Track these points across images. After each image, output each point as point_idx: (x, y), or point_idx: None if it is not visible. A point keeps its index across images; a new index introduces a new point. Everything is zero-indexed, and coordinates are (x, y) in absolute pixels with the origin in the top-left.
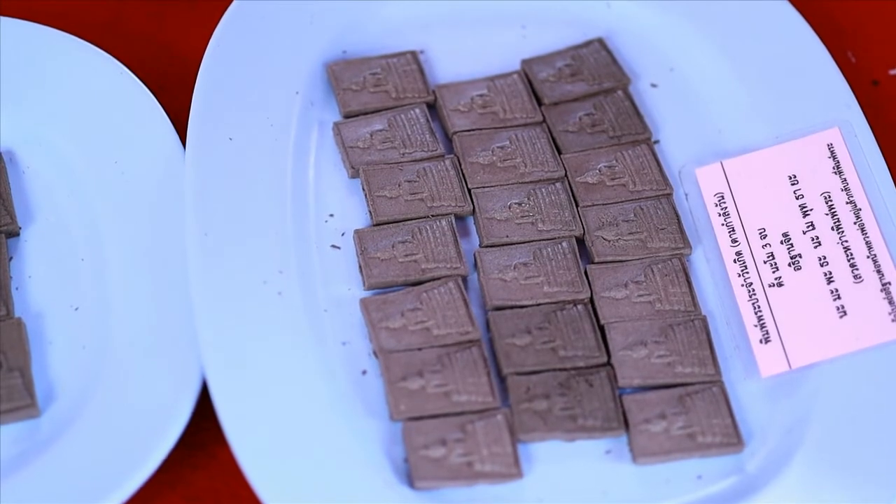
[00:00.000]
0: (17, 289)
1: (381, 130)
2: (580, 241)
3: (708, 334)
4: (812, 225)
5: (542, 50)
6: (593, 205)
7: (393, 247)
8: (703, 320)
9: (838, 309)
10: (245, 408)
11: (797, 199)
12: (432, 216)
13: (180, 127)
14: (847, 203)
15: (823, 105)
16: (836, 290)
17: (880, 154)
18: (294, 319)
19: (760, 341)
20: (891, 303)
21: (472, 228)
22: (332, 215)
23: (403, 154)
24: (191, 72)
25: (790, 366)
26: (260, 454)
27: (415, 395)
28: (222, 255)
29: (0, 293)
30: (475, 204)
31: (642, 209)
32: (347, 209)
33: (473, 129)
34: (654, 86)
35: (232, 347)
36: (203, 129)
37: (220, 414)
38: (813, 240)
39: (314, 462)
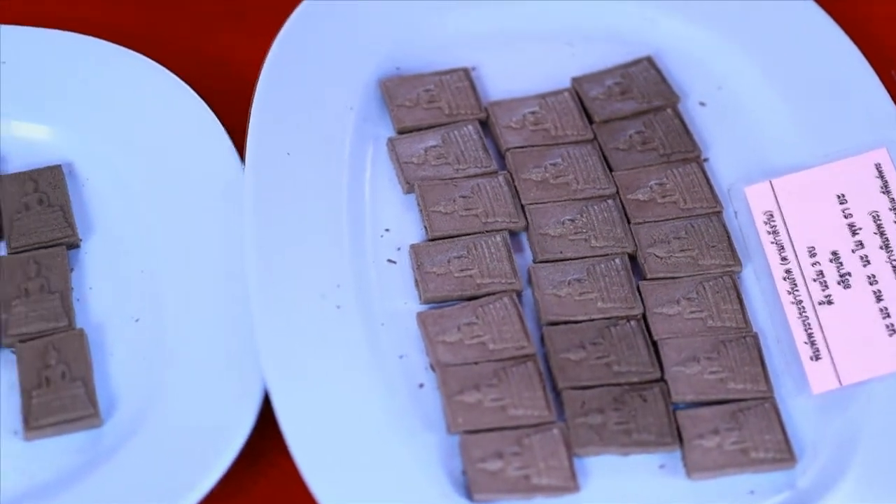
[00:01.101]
0: (78, 300)
1: (434, 146)
2: (632, 258)
3: (759, 351)
4: (861, 244)
5: (590, 67)
6: (645, 222)
7: (448, 262)
8: (755, 337)
9: (888, 327)
10: (307, 419)
11: (846, 217)
12: (487, 232)
13: (234, 139)
14: (895, 222)
15: (870, 124)
16: (886, 309)
17: None
18: (352, 333)
19: (811, 358)
20: None
21: (524, 244)
22: (387, 230)
23: (457, 170)
24: (245, 86)
25: (840, 383)
26: (321, 465)
27: (472, 409)
28: (281, 268)
29: (62, 304)
30: (529, 220)
31: (693, 226)
32: (402, 224)
33: (526, 146)
34: (702, 104)
35: (293, 360)
36: (261, 144)
37: (282, 425)
38: (862, 258)
39: (374, 473)
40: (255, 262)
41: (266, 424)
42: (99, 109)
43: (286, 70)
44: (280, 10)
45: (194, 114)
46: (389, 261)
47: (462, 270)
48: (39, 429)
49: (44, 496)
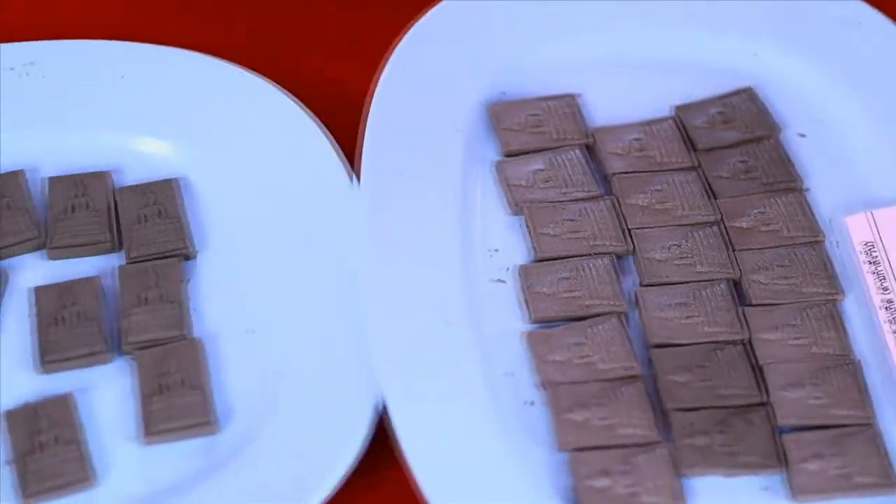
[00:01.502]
0: (194, 310)
1: (541, 170)
2: (736, 284)
3: (861, 378)
4: None
5: (690, 97)
6: (748, 249)
7: (556, 283)
8: (857, 364)
9: None
10: (421, 432)
11: None
12: (593, 254)
13: (342, 157)
14: None
15: None
16: None
17: None
18: (462, 349)
19: None
20: None
21: (627, 267)
22: (496, 250)
23: (564, 193)
24: (349, 105)
25: None
26: (437, 478)
27: (580, 427)
28: (395, 284)
29: (179, 314)
30: (635, 244)
31: (795, 255)
32: (509, 244)
33: (630, 172)
34: (802, 135)
35: (408, 374)
36: (375, 164)
37: (399, 437)
38: None
39: (486, 486)
40: (370, 278)
41: (379, 436)
42: (214, 126)
43: (397, 92)
44: (389, 32)
45: (305, 132)
46: (498, 280)
47: (569, 292)
48: (158, 434)
49: (161, 501)
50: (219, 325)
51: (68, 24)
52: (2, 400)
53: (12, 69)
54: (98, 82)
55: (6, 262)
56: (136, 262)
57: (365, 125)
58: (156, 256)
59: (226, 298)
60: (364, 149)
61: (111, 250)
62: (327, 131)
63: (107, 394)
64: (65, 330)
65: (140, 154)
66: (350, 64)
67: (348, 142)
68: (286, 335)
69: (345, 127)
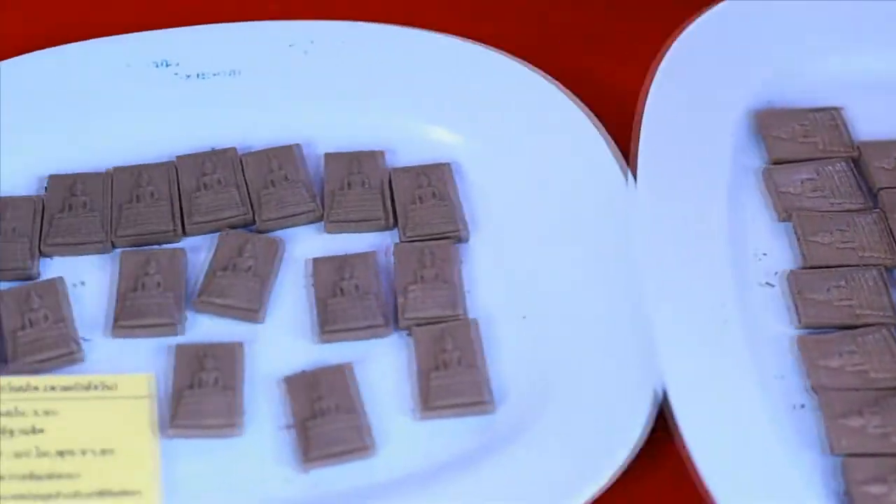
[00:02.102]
0: (468, 292)
1: (810, 179)
2: None
3: None
4: None
5: None
6: None
7: (827, 290)
8: None
9: None
10: (702, 425)
11: None
12: (862, 265)
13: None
14: None
15: None
16: None
17: None
18: (737, 349)
19: None
20: None
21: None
22: (764, 254)
23: (832, 204)
24: (624, 102)
25: None
26: (717, 471)
27: (855, 433)
28: (674, 282)
29: (455, 294)
30: None
31: None
32: (776, 250)
33: None
34: None
35: (689, 369)
36: (650, 164)
37: (682, 431)
38: None
39: (764, 485)
40: (652, 274)
41: (656, 426)
42: (487, 114)
43: (669, 93)
44: (661, 32)
45: (580, 126)
46: (766, 283)
47: (841, 300)
48: (435, 409)
49: (440, 476)
50: (491, 308)
51: (349, 5)
52: (282, 367)
53: (291, 46)
54: (374, 64)
55: (283, 232)
56: (411, 241)
57: (639, 125)
58: (430, 237)
59: (498, 283)
60: (640, 149)
61: (385, 228)
62: (602, 127)
63: (382, 367)
64: (344, 302)
65: (412, 136)
66: (622, 62)
67: (619, 139)
68: (559, 323)
69: (615, 124)
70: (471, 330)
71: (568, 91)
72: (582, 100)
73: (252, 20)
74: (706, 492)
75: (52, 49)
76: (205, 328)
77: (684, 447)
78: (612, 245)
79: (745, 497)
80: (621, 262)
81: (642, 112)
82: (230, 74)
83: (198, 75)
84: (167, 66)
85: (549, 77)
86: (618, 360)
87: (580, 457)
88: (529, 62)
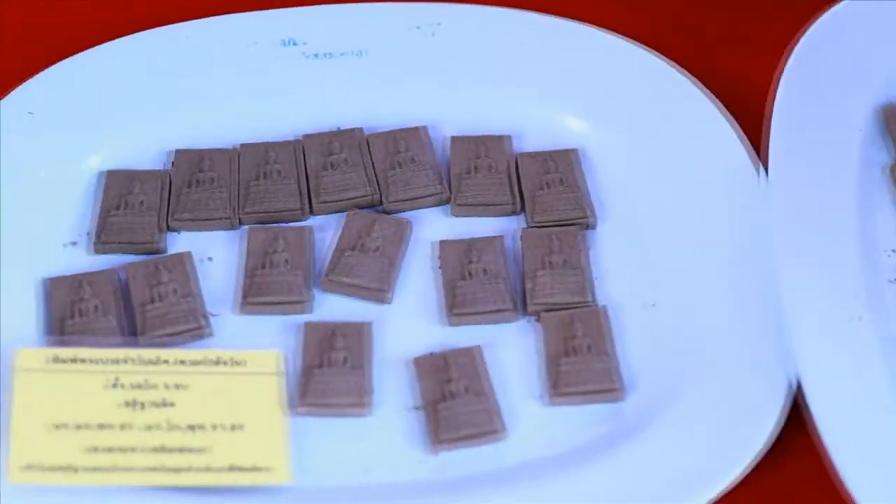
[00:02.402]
0: (596, 279)
1: None
2: None
3: None
4: None
5: None
6: None
7: None
8: None
9: None
10: (838, 421)
11: None
12: None
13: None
14: None
15: None
16: None
17: None
18: (871, 344)
19: None
20: None
21: None
22: (893, 251)
23: None
24: (753, 95)
25: None
26: (853, 463)
27: None
28: (808, 274)
29: (584, 281)
30: None
31: None
32: None
33: None
34: None
35: (824, 362)
36: (782, 158)
37: (818, 425)
38: None
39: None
40: (786, 266)
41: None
42: (615, 102)
43: (799, 88)
44: (791, 26)
45: (710, 117)
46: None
47: None
48: (565, 396)
49: (569, 462)
50: (619, 296)
51: None
52: (409, 348)
53: (419, 28)
54: (501, 48)
55: (410, 213)
56: (539, 227)
57: (769, 119)
58: (557, 223)
59: (625, 271)
60: (771, 143)
61: (512, 213)
62: (733, 120)
63: (509, 351)
64: (472, 285)
65: (537, 122)
66: (752, 57)
67: (748, 132)
68: (689, 312)
69: (744, 117)
70: (601, 317)
71: (699, 83)
72: (713, 92)
73: (379, 1)
74: (842, 485)
75: (181, 24)
76: (330, 307)
77: (819, 440)
78: (741, 235)
79: (881, 490)
80: (750, 252)
81: (772, 107)
82: (356, 55)
83: (324, 55)
84: (294, 44)
85: (679, 68)
86: (750, 351)
87: (712, 448)
88: (660, 53)
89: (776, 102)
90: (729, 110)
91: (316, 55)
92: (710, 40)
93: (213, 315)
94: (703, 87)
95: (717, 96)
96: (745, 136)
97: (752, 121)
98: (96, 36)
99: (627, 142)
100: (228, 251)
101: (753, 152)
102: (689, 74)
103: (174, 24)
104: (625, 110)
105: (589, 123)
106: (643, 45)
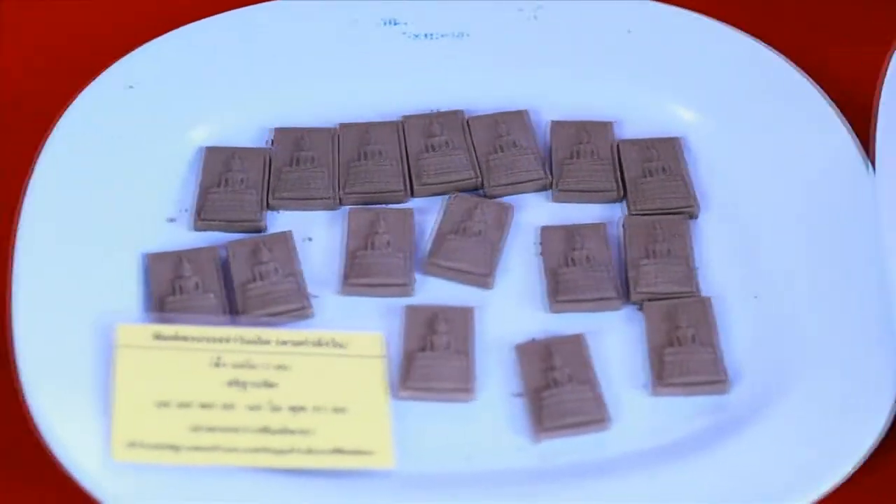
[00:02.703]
0: (697, 269)
1: None
2: None
3: None
4: None
5: None
6: None
7: None
8: None
9: None
10: None
11: None
12: None
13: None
14: None
15: None
16: None
17: None
18: None
19: None
20: None
21: None
22: None
23: None
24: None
25: None
26: None
27: None
28: None
29: (688, 271)
30: None
31: None
32: None
33: None
34: None
35: None
36: (889, 150)
37: None
38: None
39: None
40: (894, 260)
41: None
42: (720, 91)
43: None
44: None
45: (818, 110)
46: None
47: None
48: (669, 386)
49: (673, 454)
50: (720, 287)
51: None
52: (510, 333)
53: (520, 10)
54: (604, 33)
55: (513, 198)
56: (641, 215)
57: (876, 112)
58: (661, 211)
59: (727, 262)
60: (878, 136)
61: (615, 200)
62: (840, 113)
63: (612, 340)
64: (575, 272)
65: (638, 108)
66: (860, 47)
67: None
68: (794, 305)
69: (853, 110)
70: (705, 307)
71: (805, 74)
72: (819, 84)
73: None
74: None
75: (279, 1)
76: (430, 290)
77: None
78: (847, 229)
79: None
80: (856, 246)
81: (879, 99)
82: (457, 36)
83: (425, 35)
84: (395, 24)
85: (786, 59)
86: (856, 347)
87: (819, 444)
88: (766, 42)
89: (883, 95)
90: (836, 103)
91: (416, 35)
92: (817, 32)
93: (313, 296)
94: (809, 78)
95: (823, 88)
96: (851, 130)
97: (860, 114)
98: (197, 11)
99: (731, 131)
100: (328, 231)
101: (860, 145)
102: (795, 65)
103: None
104: (730, 99)
105: (691, 111)
106: (750, 35)
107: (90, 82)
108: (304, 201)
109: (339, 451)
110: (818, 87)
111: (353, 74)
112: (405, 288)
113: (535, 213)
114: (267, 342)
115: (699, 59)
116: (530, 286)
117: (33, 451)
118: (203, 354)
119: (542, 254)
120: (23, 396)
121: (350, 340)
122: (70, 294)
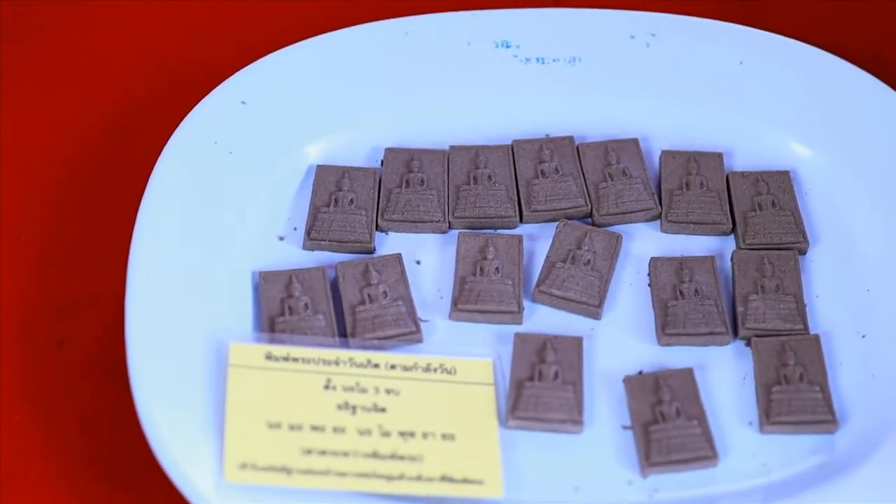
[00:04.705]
0: (805, 305)
1: None
2: None
3: None
4: None
5: None
6: None
7: None
8: None
9: None
10: None
11: None
12: None
13: None
14: None
15: None
16: None
17: None
18: None
19: None
20: None
21: None
22: None
23: None
24: None
25: None
26: None
27: None
28: None
29: (797, 307)
30: None
31: None
32: None
33: None
34: None
35: None
36: None
37: None
38: None
39: None
40: None
41: None
42: (831, 124)
43: None
44: None
45: None
46: None
47: None
48: (777, 424)
49: (780, 492)
50: (830, 324)
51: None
52: (618, 365)
53: (633, 37)
54: (716, 63)
55: (622, 227)
56: (751, 249)
57: None
58: (770, 246)
59: (835, 299)
60: None
61: (725, 233)
62: None
63: (719, 375)
64: (685, 305)
65: (748, 140)
66: None
67: None
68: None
69: None
70: (814, 345)
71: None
72: None
73: (595, 7)
74: None
75: (394, 20)
76: (537, 319)
77: None
78: None
79: None
80: None
81: None
82: (570, 61)
83: (537, 59)
84: (507, 47)
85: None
86: None
87: None
88: (869, 71)
89: None
90: None
91: (528, 59)
92: None
93: (422, 321)
94: None
95: None
96: None
97: None
98: (313, 28)
99: (842, 165)
100: (436, 255)
101: None
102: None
103: (391, 18)
104: (842, 133)
105: (802, 144)
106: (862, 68)
107: (203, 97)
108: (414, 224)
109: (447, 478)
110: None
111: (465, 96)
112: (515, 315)
113: (644, 243)
114: (377, 366)
115: (811, 90)
116: (637, 317)
117: (144, 468)
118: (314, 377)
119: (650, 285)
120: (136, 414)
121: (460, 367)
122: (183, 311)
